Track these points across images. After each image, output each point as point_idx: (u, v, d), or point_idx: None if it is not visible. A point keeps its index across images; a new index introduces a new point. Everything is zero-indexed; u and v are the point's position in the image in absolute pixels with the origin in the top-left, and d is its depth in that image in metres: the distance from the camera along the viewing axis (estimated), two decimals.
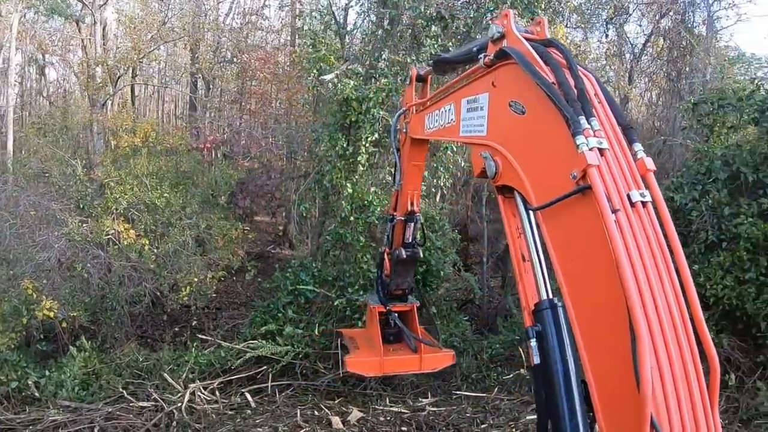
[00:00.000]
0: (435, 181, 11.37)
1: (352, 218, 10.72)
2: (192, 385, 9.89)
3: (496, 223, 15.02)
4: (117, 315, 11.86)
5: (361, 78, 10.89)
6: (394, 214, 6.56)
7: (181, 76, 23.79)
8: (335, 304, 10.32)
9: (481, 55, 3.51)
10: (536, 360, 2.97)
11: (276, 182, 14.78)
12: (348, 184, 10.70)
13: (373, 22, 12.64)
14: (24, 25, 20.72)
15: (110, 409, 9.53)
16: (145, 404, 9.71)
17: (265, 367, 10.27)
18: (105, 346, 11.53)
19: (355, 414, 9.68)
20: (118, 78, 17.58)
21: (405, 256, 6.43)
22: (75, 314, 11.17)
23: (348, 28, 14.40)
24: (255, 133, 14.79)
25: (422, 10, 11.04)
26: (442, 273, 10.98)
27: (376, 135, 10.55)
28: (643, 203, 2.59)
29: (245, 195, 14.36)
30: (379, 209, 10.67)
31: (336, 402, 10.07)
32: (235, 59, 19.54)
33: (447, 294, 11.84)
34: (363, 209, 10.79)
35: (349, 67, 10.94)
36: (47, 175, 13.55)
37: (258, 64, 15.93)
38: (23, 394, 9.95)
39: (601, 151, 2.58)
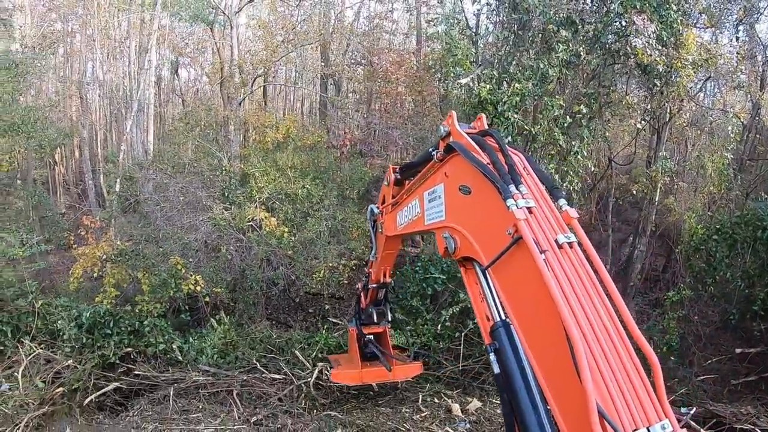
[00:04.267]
0: (564, 184, 11.35)
1: None
2: (320, 364, 10.49)
3: (618, 233, 14.49)
4: (254, 295, 12.73)
5: (495, 81, 11.08)
6: (370, 272, 7.61)
7: (312, 77, 25.04)
8: (441, 319, 10.65)
9: (434, 152, 4.23)
10: (496, 369, 3.47)
11: None
12: None
13: (505, 26, 12.75)
14: (160, 30, 22.68)
15: (245, 377, 10.45)
16: (276, 376, 10.52)
17: None
18: (241, 321, 12.42)
19: (474, 404, 10.00)
20: (255, 78, 18.89)
21: (375, 318, 7.96)
22: (217, 290, 12.27)
23: (479, 33, 14.57)
24: (392, 133, 15.28)
25: (552, 14, 11.03)
26: None
27: (509, 138, 10.75)
28: (570, 244, 3.11)
29: None
30: None
31: (455, 392, 10.44)
32: (363, 61, 20.41)
33: None
34: None
35: (483, 71, 11.20)
36: (194, 165, 14.75)
37: (392, 67, 16.53)
38: (168, 356, 11.09)
39: (529, 209, 3.17)
